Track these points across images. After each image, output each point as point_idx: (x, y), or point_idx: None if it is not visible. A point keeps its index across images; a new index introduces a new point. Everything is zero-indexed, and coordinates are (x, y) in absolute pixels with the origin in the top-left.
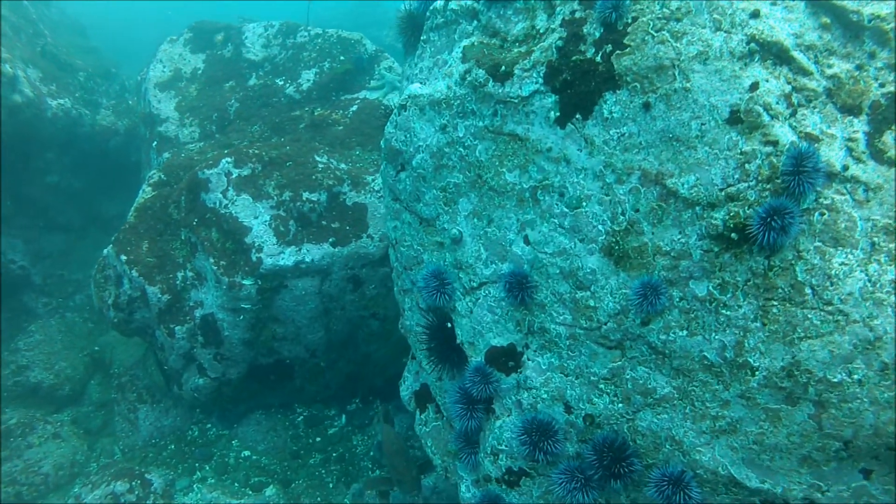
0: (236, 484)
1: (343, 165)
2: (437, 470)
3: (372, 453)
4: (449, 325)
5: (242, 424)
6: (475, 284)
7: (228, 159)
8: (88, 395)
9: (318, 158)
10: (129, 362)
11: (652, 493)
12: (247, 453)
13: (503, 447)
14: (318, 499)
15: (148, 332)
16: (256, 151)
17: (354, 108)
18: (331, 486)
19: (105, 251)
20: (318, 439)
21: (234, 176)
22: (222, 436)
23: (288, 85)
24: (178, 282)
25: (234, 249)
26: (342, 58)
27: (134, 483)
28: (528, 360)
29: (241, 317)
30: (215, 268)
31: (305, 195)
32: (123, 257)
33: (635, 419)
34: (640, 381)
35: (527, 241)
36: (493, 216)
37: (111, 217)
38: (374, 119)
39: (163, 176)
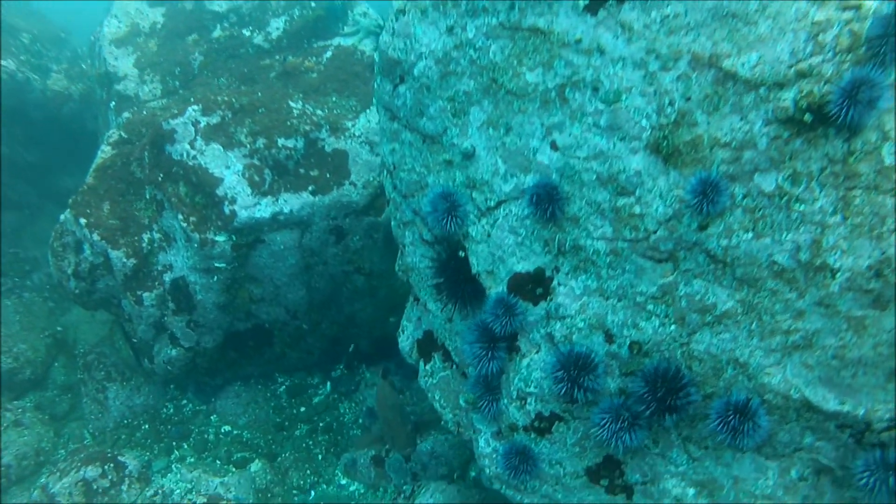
0: (218, 461)
1: (320, 111)
2: (449, 425)
3: (361, 421)
4: (462, 254)
5: (220, 398)
6: (492, 203)
7: (195, 107)
8: (53, 379)
9: (292, 104)
10: (94, 340)
11: (714, 425)
12: (227, 428)
13: (532, 389)
14: (308, 472)
15: (113, 302)
16: (226, 98)
17: (328, 54)
18: (319, 457)
19: (62, 216)
20: (302, 409)
21: (202, 125)
22: (199, 411)
23: (256, 35)
24: (144, 244)
25: (204, 203)
26: (313, 4)
27: (106, 467)
28: (559, 285)
29: (215, 278)
30: (185, 225)
31: (281, 142)
32: (83, 221)
33: (690, 342)
34: (697, 298)
35: (554, 146)
36: (512, 123)
37: (68, 191)
38: (349, 65)
39: (123, 134)
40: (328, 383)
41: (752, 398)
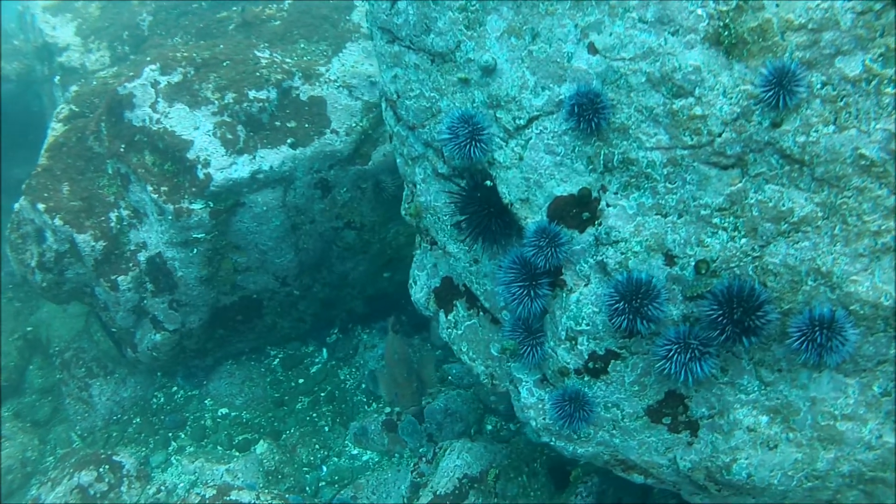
0: (219, 447)
1: (289, 60)
2: (480, 378)
3: (364, 385)
4: (489, 183)
5: (213, 380)
6: (522, 122)
7: (152, 66)
8: (29, 383)
9: (258, 54)
10: (69, 336)
11: (795, 344)
12: (224, 411)
13: (584, 327)
14: (316, 446)
15: (86, 291)
16: (185, 54)
17: None
18: (326, 429)
19: (16, 205)
20: (300, 381)
21: (162, 85)
22: (192, 397)
23: None
24: (112, 224)
25: (175, 170)
26: None
27: (102, 469)
28: (608, 206)
29: (195, 250)
30: (156, 196)
31: (252, 94)
32: (41, 206)
33: (764, 255)
34: (770, 204)
35: (592, 49)
36: (539, 28)
37: (19, 182)
38: (314, 8)
39: (74, 107)
40: (324, 350)
41: (836, 310)
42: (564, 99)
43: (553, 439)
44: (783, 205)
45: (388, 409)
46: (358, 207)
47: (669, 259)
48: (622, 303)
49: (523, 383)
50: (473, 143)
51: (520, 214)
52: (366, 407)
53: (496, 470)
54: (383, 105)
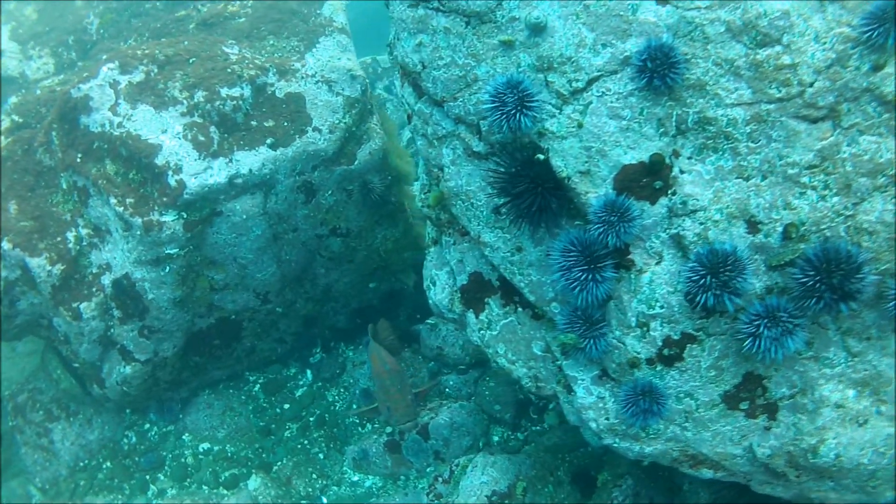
0: (205, 487)
1: (260, 57)
2: (522, 382)
3: (356, 406)
4: (541, 157)
5: (189, 413)
6: (581, 84)
7: (111, 65)
8: None
9: (227, 50)
10: (21, 377)
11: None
12: (206, 446)
13: (657, 310)
14: (314, 475)
15: (42, 324)
16: (146, 51)
17: None
18: (321, 456)
19: None
20: (286, 406)
21: (122, 85)
22: (168, 433)
23: None
24: (70, 245)
25: (142, 179)
26: None
27: None
28: (682, 172)
29: (167, 268)
30: (121, 209)
31: (224, 91)
32: None
33: (857, 213)
34: (866, 157)
35: None
36: None
37: None
38: (282, 3)
39: (16, 118)
40: (308, 371)
41: None
42: (631, 55)
43: (617, 441)
44: (880, 156)
45: (388, 430)
46: (344, 212)
47: (752, 226)
48: (707, 277)
49: (579, 382)
50: (522, 111)
51: (579, 189)
52: (360, 429)
53: (524, 483)
54: (398, 82)
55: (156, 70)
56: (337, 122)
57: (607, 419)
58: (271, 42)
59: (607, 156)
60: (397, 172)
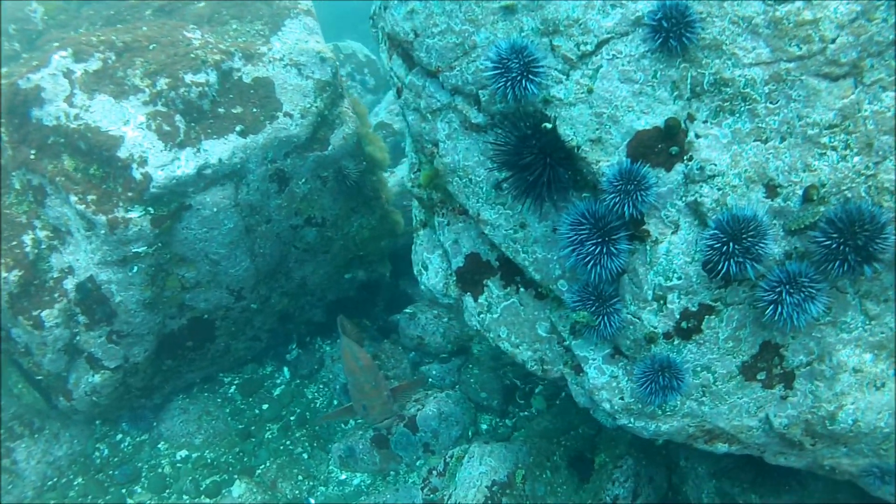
0: (186, 497)
1: (224, 41)
2: (528, 364)
3: (337, 402)
4: (549, 126)
5: (163, 420)
6: (589, 47)
7: (63, 53)
8: None
9: (188, 35)
10: None
11: None
12: (183, 453)
13: (675, 281)
14: (300, 477)
15: None
16: (102, 38)
17: None
18: (305, 457)
19: None
20: (264, 407)
21: (77, 74)
22: (142, 443)
23: None
24: (27, 249)
25: (104, 174)
26: None
27: None
28: (697, 137)
29: (135, 268)
30: (82, 207)
31: (189, 77)
32: None
33: (879, 173)
34: (888, 114)
35: None
36: None
37: None
38: None
39: None
40: (285, 369)
41: None
42: (644, 15)
43: (632, 421)
44: None
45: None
46: (318, 200)
47: (771, 190)
48: (730, 244)
49: (590, 361)
50: (527, 77)
51: (590, 158)
52: (343, 426)
53: (523, 470)
54: (385, 55)
55: (113, 57)
56: (308, 106)
57: (622, 399)
58: (234, 27)
59: (620, 122)
60: (371, 159)
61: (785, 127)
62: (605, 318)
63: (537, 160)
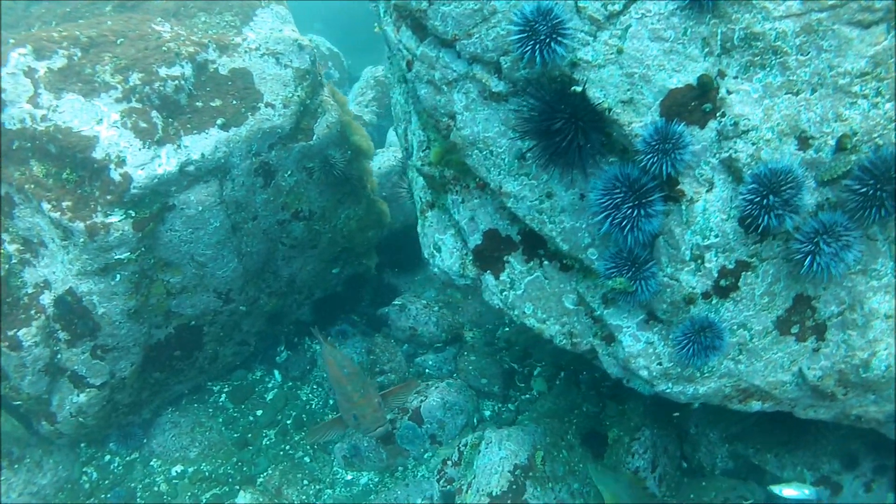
0: None
1: (196, 33)
2: (556, 339)
3: (332, 401)
4: (578, 89)
5: (154, 435)
6: (618, 6)
7: (22, 50)
8: None
9: (158, 28)
10: None
11: None
12: (179, 468)
13: (712, 239)
14: (304, 481)
15: None
16: (64, 33)
17: None
18: (307, 460)
19: None
20: (258, 413)
21: (41, 72)
22: (133, 462)
23: None
24: None
25: (78, 178)
26: None
27: None
28: (729, 93)
29: (118, 276)
30: (56, 215)
31: (163, 71)
32: None
33: None
34: None
35: None
36: None
37: None
38: None
39: None
40: (276, 372)
41: None
42: None
43: (670, 386)
44: None
45: None
46: (305, 193)
47: (803, 142)
48: (770, 197)
49: (624, 330)
50: (556, 39)
51: (622, 120)
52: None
53: (542, 451)
54: (391, 28)
55: (79, 54)
56: (290, 95)
57: (660, 364)
58: (203, 19)
59: (651, 81)
60: (356, 147)
61: (816, 78)
62: (643, 282)
63: (567, 125)
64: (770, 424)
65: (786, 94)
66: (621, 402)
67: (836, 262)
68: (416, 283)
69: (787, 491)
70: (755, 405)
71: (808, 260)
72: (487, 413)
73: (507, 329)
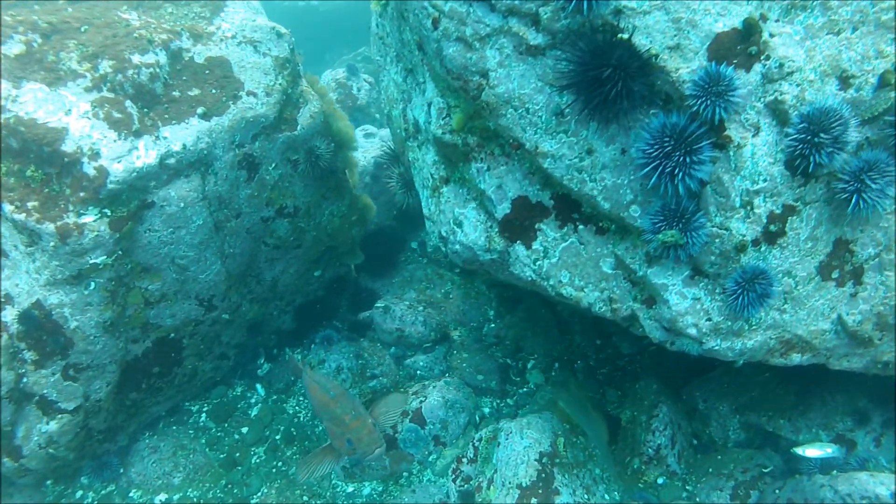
0: None
1: (165, 22)
2: (595, 307)
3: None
4: (624, 36)
5: (132, 463)
6: None
7: None
8: None
9: (125, 15)
10: None
11: None
12: (163, 497)
13: (762, 184)
14: (304, 497)
15: None
16: (19, 17)
17: None
18: None
19: None
20: (244, 430)
21: None
22: (110, 494)
23: None
24: None
25: (45, 175)
26: None
27: None
28: (772, 37)
29: (92, 285)
30: (21, 217)
31: (136, 58)
32: None
33: None
34: None
35: None
36: None
37: None
38: None
39: None
40: (258, 386)
41: None
42: None
43: (719, 342)
44: None
45: None
46: (290, 187)
47: (844, 81)
48: (819, 134)
49: (669, 288)
50: None
51: (669, 66)
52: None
53: (563, 438)
54: None
55: (39, 40)
56: (271, 83)
57: (709, 320)
58: (169, 10)
59: (698, 25)
60: (341, 136)
61: (858, 16)
62: (692, 233)
63: (616, 73)
64: (777, 389)
65: (827, 34)
66: (619, 388)
67: (883, 198)
68: (394, 286)
69: (811, 451)
70: (795, 358)
71: (854, 198)
72: (487, 410)
73: (493, 325)
